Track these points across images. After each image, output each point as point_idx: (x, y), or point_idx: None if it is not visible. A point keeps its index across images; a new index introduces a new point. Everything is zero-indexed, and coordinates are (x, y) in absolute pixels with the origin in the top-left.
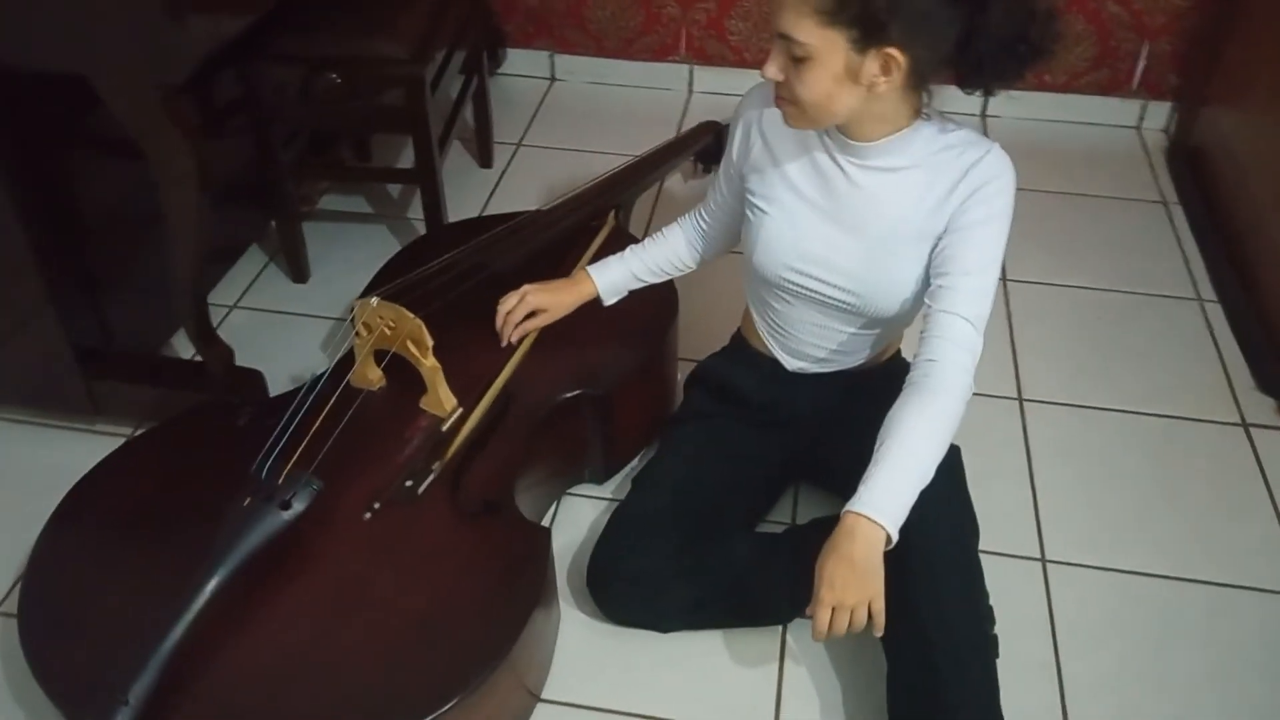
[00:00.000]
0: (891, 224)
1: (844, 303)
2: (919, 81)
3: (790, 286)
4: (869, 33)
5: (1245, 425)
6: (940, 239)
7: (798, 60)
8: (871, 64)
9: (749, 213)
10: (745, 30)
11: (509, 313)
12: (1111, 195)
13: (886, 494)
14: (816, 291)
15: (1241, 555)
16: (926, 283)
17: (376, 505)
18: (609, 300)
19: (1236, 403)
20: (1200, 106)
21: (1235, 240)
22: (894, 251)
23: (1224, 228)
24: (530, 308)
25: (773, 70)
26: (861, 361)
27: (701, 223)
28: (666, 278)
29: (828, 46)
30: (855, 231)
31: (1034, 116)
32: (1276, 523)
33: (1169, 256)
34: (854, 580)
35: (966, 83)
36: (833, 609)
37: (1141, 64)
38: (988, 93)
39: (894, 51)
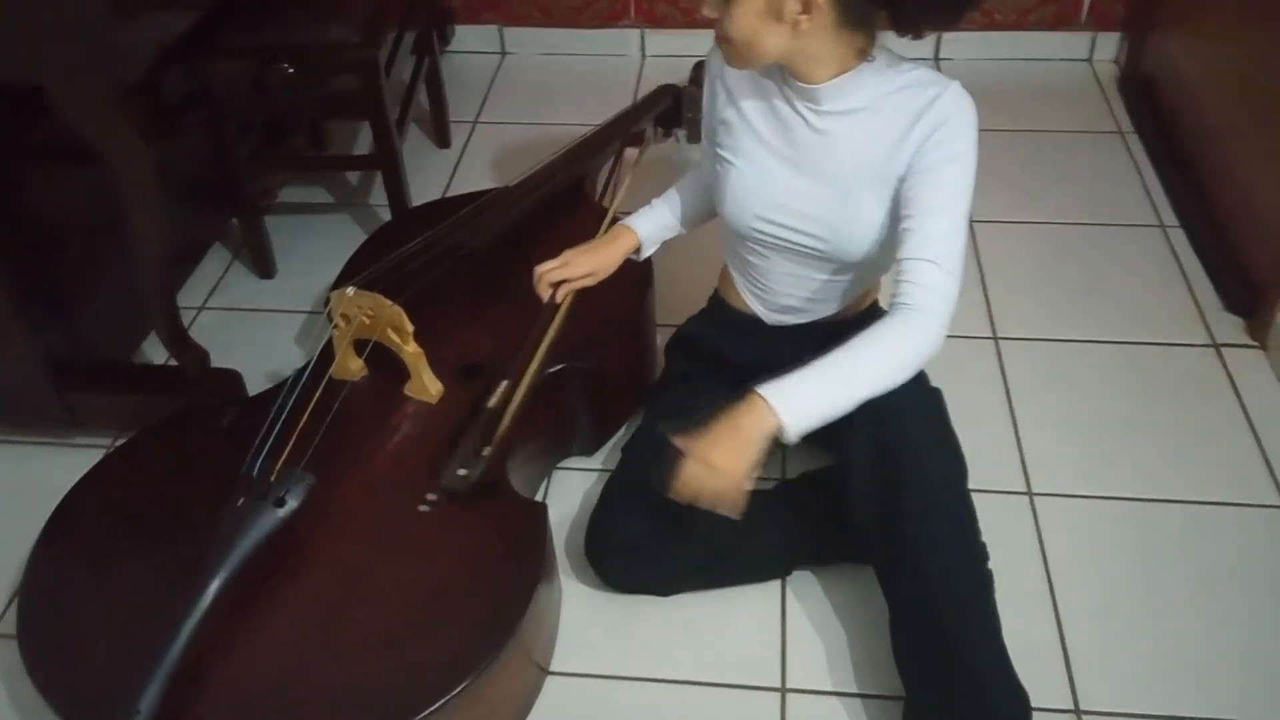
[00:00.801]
0: (853, 167)
1: (815, 249)
2: (851, 22)
3: (761, 237)
4: None
5: (1216, 345)
6: (902, 181)
7: None
8: (792, 2)
9: (718, 166)
10: None
11: (548, 273)
12: (1068, 129)
13: (800, 394)
14: (787, 240)
15: (1219, 473)
16: (895, 225)
17: (432, 498)
18: (649, 251)
19: (1206, 324)
20: (1148, 35)
21: (1191, 165)
22: (858, 194)
23: (1179, 153)
24: (579, 273)
25: (708, 8)
26: (839, 309)
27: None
28: (697, 225)
29: None
30: (819, 177)
31: (986, 56)
32: (1251, 438)
33: (1129, 185)
34: (729, 445)
35: (897, 25)
36: (699, 466)
37: None
38: (918, 35)
39: None
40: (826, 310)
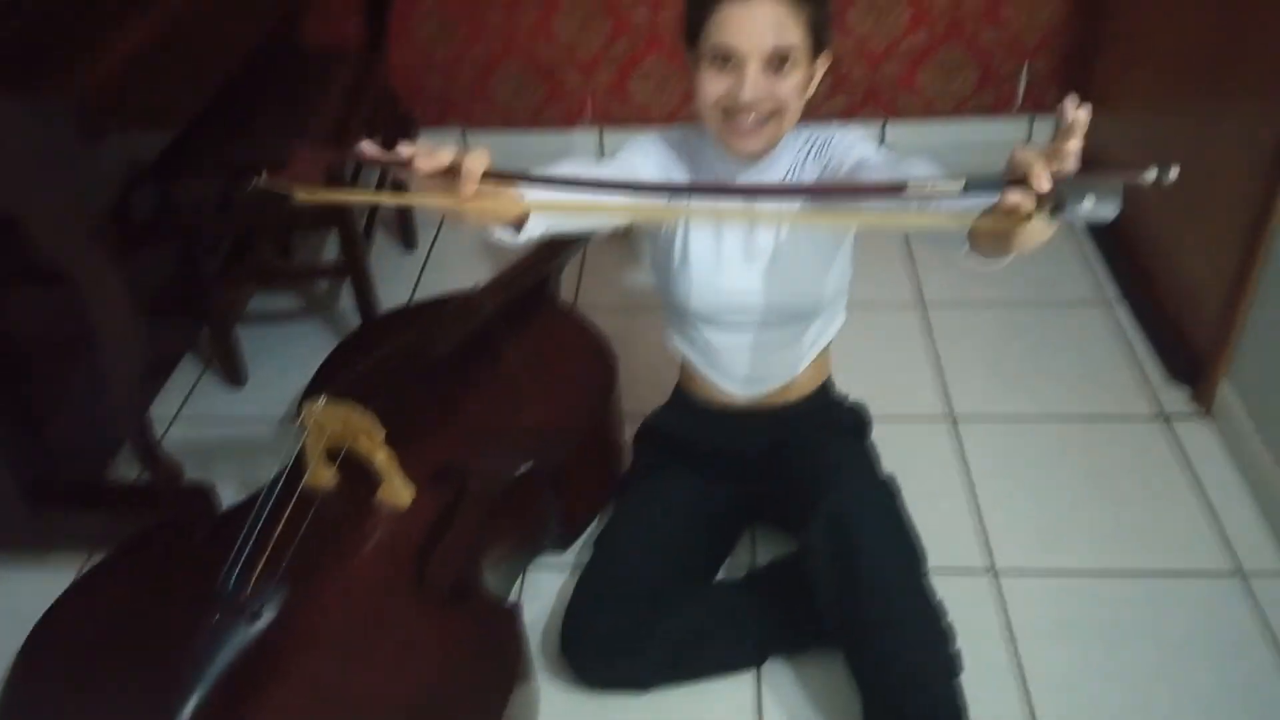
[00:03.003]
0: (791, 229)
1: (773, 312)
2: None
3: (720, 316)
4: (822, 38)
5: (1165, 416)
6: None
7: (782, 64)
8: (820, 67)
9: (671, 261)
10: (647, 90)
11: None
12: None
13: None
14: (746, 307)
15: (1175, 543)
16: (834, 257)
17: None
18: (527, 233)
19: (1154, 396)
20: None
21: (1130, 240)
22: (798, 243)
23: (1118, 229)
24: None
25: (751, 91)
26: (805, 366)
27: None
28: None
29: (804, 49)
30: (765, 243)
31: (928, 143)
32: (1204, 507)
33: (1073, 263)
34: None
35: None
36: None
37: (1023, 83)
38: None
39: (827, 55)
40: (794, 371)
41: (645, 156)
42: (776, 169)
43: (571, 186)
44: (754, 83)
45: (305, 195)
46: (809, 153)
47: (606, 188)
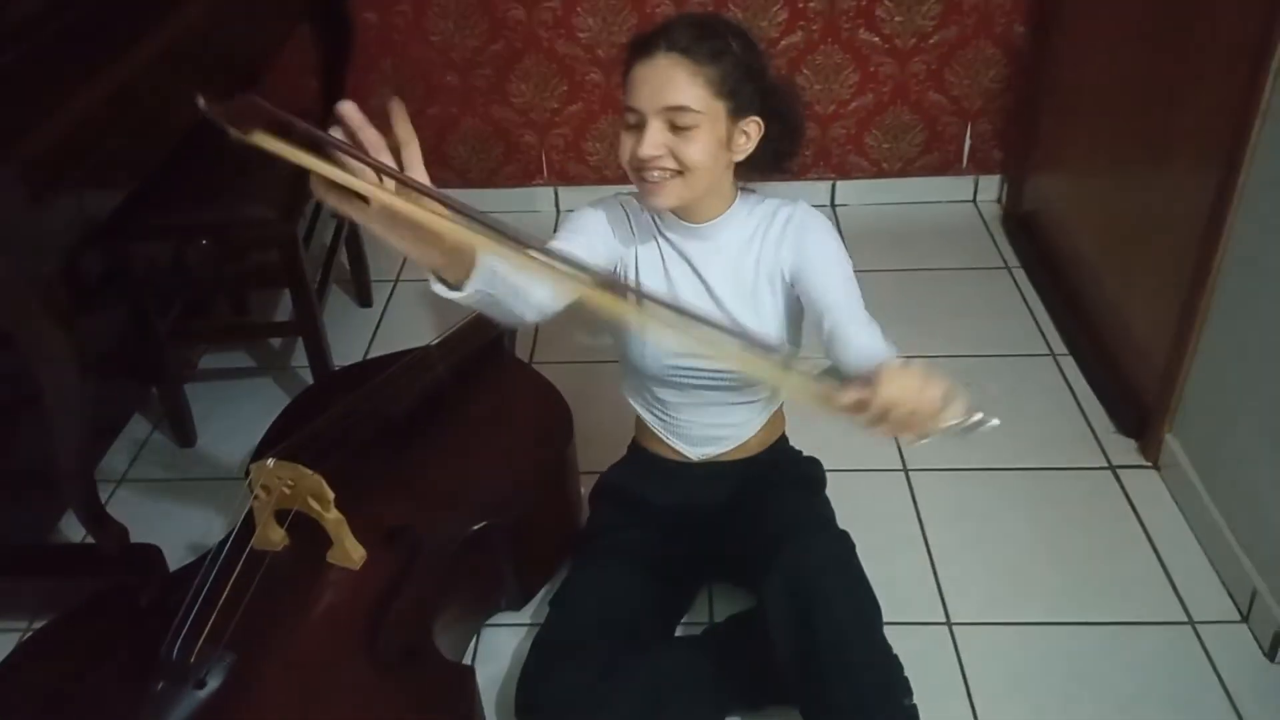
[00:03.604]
0: (745, 289)
1: (728, 374)
2: (755, 159)
3: (674, 378)
4: (745, 104)
5: (1112, 468)
6: (789, 282)
7: (682, 131)
8: (740, 134)
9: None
10: (602, 150)
11: None
12: (957, 266)
13: None
14: (700, 371)
15: (1126, 592)
16: (789, 317)
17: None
18: (466, 292)
19: (1101, 447)
20: (1025, 176)
21: (1074, 294)
22: (755, 309)
23: (1063, 284)
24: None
25: (650, 148)
26: (757, 429)
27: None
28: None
29: (713, 114)
30: (720, 308)
31: (877, 201)
32: (1153, 556)
33: (1018, 317)
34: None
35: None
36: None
37: (968, 144)
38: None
39: (758, 120)
40: (746, 432)
41: (593, 222)
42: (726, 235)
43: (508, 240)
44: (650, 139)
45: (237, 135)
46: (775, 226)
47: (550, 257)
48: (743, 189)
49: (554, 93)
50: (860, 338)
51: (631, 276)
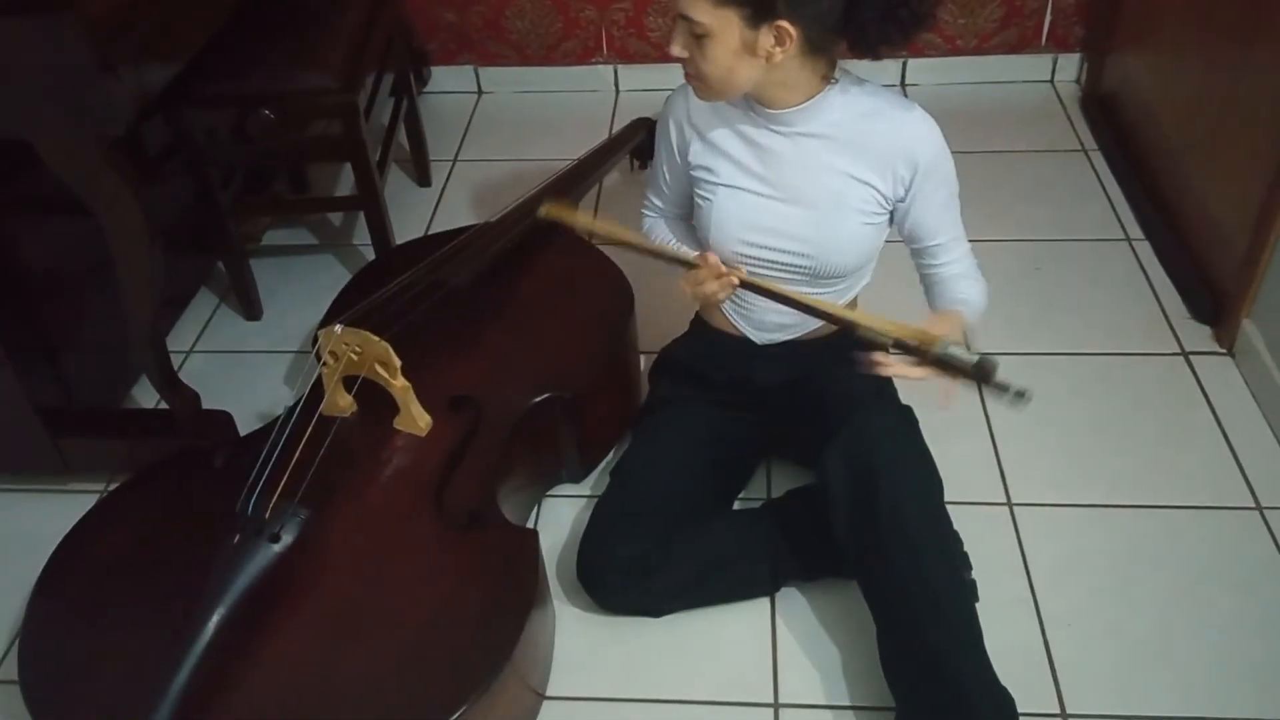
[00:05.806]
0: (831, 189)
1: (799, 267)
2: (815, 49)
3: (746, 260)
4: (759, 9)
5: (1185, 354)
6: (897, 206)
7: (698, 38)
8: (766, 37)
9: (698, 200)
10: (665, 25)
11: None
12: (1033, 149)
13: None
14: (771, 260)
15: (1193, 477)
16: (875, 237)
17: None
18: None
19: (1174, 333)
20: (1107, 55)
21: (1153, 179)
22: (838, 213)
23: (1142, 168)
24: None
25: (676, 48)
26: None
27: (675, 212)
28: None
29: (723, 24)
30: (798, 198)
31: (950, 80)
32: (1223, 443)
33: (1094, 201)
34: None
35: (855, 49)
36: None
37: (1048, 19)
38: (876, 57)
39: (784, 24)
40: (813, 323)
41: (662, 162)
42: (815, 124)
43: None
44: (675, 41)
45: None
46: (897, 150)
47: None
48: (842, 75)
49: None
50: (955, 289)
51: (699, 163)
